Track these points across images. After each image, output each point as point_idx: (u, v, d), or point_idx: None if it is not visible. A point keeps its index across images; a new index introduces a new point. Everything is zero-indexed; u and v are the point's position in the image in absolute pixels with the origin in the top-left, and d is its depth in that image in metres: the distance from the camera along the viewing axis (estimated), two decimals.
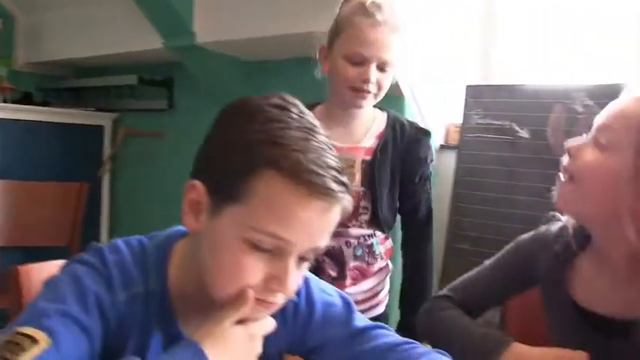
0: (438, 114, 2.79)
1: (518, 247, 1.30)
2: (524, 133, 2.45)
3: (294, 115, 0.83)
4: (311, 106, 1.55)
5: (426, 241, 1.67)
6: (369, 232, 1.58)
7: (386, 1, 1.47)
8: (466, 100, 2.61)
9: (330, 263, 1.56)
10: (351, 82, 1.48)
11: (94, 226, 3.62)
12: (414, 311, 1.49)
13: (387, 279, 1.68)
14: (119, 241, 0.94)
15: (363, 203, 1.55)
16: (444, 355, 0.98)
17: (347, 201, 0.83)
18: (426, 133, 1.68)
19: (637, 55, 2.54)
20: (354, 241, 1.56)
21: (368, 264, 1.60)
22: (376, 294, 1.65)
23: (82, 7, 3.37)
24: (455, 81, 2.82)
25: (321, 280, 1.09)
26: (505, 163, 2.46)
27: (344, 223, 1.50)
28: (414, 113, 2.61)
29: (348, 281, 1.57)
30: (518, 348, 1.10)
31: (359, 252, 1.57)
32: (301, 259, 0.85)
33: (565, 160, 1.14)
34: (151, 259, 0.92)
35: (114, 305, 0.86)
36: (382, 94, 1.53)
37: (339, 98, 1.55)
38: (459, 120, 2.63)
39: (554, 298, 1.21)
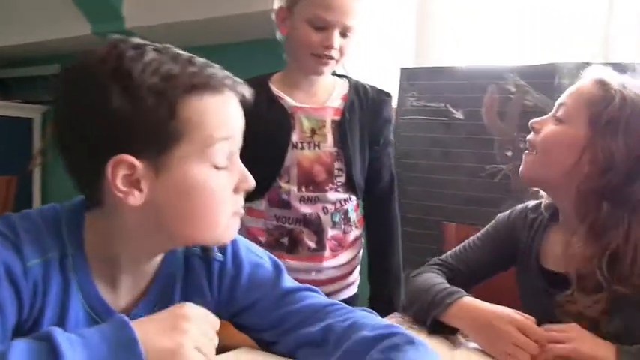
0: None
1: (498, 225, 1.43)
2: (459, 114, 2.47)
3: (147, 48, 0.83)
4: (268, 76, 1.55)
5: (390, 209, 1.67)
6: (345, 196, 1.56)
7: None
8: (401, 82, 2.62)
9: (309, 233, 1.53)
10: (313, 49, 1.45)
11: None
12: (385, 280, 1.61)
13: (360, 254, 1.68)
14: (31, 210, 0.90)
15: (337, 165, 1.53)
16: (371, 312, 0.98)
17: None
18: (389, 95, 1.67)
19: (566, 35, 2.60)
20: (331, 207, 1.54)
21: (345, 232, 1.58)
22: (351, 271, 1.64)
23: None
24: (389, 63, 2.82)
25: (252, 243, 1.08)
26: (441, 145, 2.49)
27: (321, 187, 1.51)
28: None
29: (327, 252, 1.55)
30: (467, 301, 1.18)
31: (336, 218, 1.55)
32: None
33: (530, 135, 1.29)
34: (65, 223, 0.88)
35: (26, 273, 0.81)
36: (343, 60, 1.50)
37: (299, 64, 1.52)
38: (394, 103, 2.64)
39: (526, 265, 1.33)
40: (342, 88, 1.58)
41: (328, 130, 1.52)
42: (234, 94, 0.88)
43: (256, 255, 1.05)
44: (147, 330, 0.75)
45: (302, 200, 1.51)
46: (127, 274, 0.92)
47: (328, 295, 1.32)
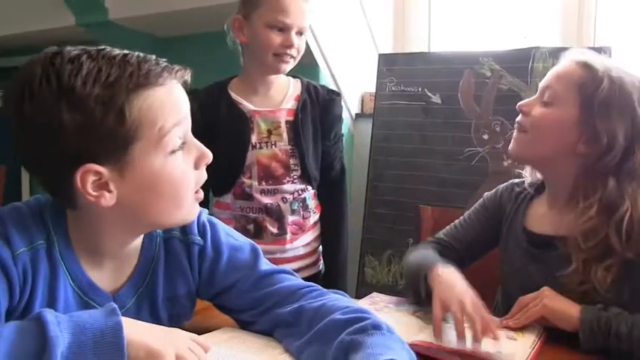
0: (353, 83, 2.84)
1: (486, 202, 1.49)
2: (436, 99, 2.53)
3: (83, 57, 0.85)
4: (227, 82, 1.69)
5: (341, 195, 1.83)
6: (302, 187, 1.71)
7: None
8: (379, 68, 2.67)
9: (271, 220, 1.68)
10: (275, 49, 1.59)
11: None
12: (334, 257, 1.79)
13: (320, 236, 1.82)
14: (17, 202, 0.94)
15: (292, 160, 1.69)
16: (342, 294, 1.04)
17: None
18: (338, 94, 1.80)
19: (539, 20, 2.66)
20: (289, 197, 1.69)
21: (304, 218, 1.73)
22: (315, 250, 1.80)
23: None
24: (368, 50, 2.87)
25: (230, 228, 1.14)
26: (419, 128, 2.55)
27: (279, 181, 1.67)
28: (328, 83, 2.64)
29: (289, 236, 1.70)
30: (440, 269, 1.24)
31: (295, 206, 1.70)
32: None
33: (519, 117, 1.35)
34: (49, 214, 0.93)
35: (15, 261, 0.86)
36: (298, 58, 1.65)
37: (260, 65, 1.65)
38: (374, 89, 2.70)
39: (511, 230, 1.40)
40: (295, 89, 1.73)
41: (283, 130, 1.67)
42: (175, 81, 0.91)
43: (235, 239, 1.11)
44: (135, 326, 0.80)
45: (263, 192, 1.67)
46: (111, 258, 0.97)
47: None
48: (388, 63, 2.67)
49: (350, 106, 2.83)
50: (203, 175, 0.96)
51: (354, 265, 2.69)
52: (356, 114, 2.87)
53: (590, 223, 1.21)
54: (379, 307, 1.27)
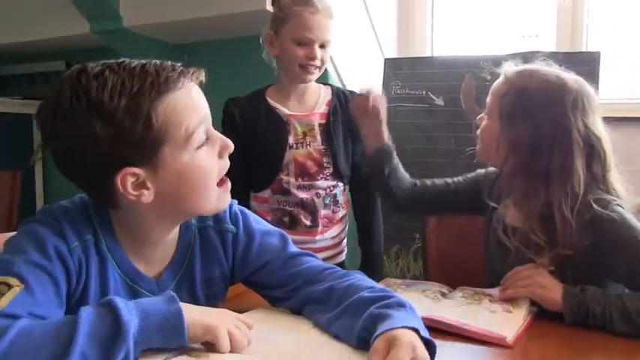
0: (361, 87, 2.94)
1: (467, 175, 1.67)
2: (439, 101, 2.65)
3: (106, 72, 0.94)
4: (264, 89, 1.86)
5: (370, 193, 1.93)
6: (333, 183, 1.86)
7: None
8: (385, 72, 2.80)
9: (305, 213, 1.83)
10: (300, 61, 1.76)
11: (30, 215, 3.60)
12: (369, 247, 1.95)
13: (346, 229, 1.96)
14: (64, 202, 1.06)
15: (325, 159, 1.84)
16: (362, 275, 1.15)
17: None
18: None
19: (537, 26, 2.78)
20: (322, 192, 1.84)
21: (333, 212, 1.88)
22: (340, 242, 1.94)
23: None
24: (374, 55, 2.99)
25: (259, 217, 1.26)
26: (423, 129, 2.67)
27: (314, 177, 1.82)
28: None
29: (320, 228, 1.85)
30: None
31: (327, 201, 1.86)
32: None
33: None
34: (93, 211, 1.04)
35: (71, 253, 0.98)
36: (324, 68, 1.82)
37: (290, 75, 1.82)
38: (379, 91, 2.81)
39: (491, 219, 1.49)
40: (326, 95, 1.89)
41: (317, 132, 1.83)
42: (192, 83, 1.00)
43: (265, 226, 1.23)
44: (192, 310, 0.92)
45: (299, 188, 1.82)
46: (152, 248, 1.08)
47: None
48: (393, 67, 2.80)
49: None
50: (226, 164, 1.06)
51: None
52: None
53: (525, 221, 1.33)
54: (393, 288, 1.38)
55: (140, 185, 0.96)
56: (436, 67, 2.71)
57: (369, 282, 1.11)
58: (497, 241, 1.41)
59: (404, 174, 1.71)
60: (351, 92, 1.92)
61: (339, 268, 1.18)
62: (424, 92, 2.69)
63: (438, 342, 0.91)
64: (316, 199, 1.83)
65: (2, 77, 3.85)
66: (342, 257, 1.97)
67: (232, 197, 1.13)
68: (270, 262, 1.18)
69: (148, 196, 0.97)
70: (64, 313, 0.95)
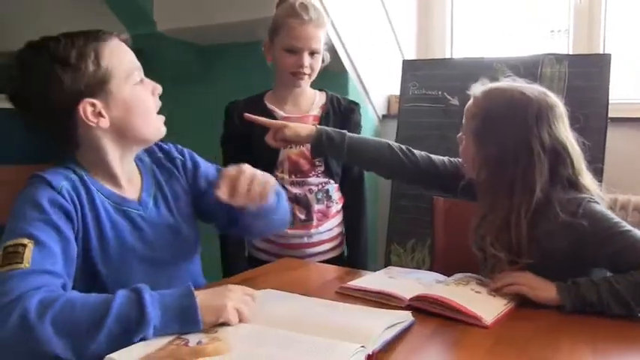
0: (380, 87, 3.09)
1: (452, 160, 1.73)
2: (454, 101, 2.77)
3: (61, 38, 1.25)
4: (263, 93, 2.03)
5: (360, 190, 2.10)
6: (325, 180, 1.99)
7: (310, 3, 1.87)
8: (403, 73, 2.92)
9: (299, 208, 1.96)
10: (290, 68, 1.89)
11: None
12: (356, 242, 2.08)
13: (342, 224, 2.09)
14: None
15: (317, 159, 1.96)
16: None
17: None
18: (356, 104, 2.08)
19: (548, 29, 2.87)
20: (314, 188, 1.97)
21: (327, 207, 2.01)
22: (338, 235, 2.07)
23: None
24: (393, 56, 3.12)
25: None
26: (439, 129, 2.78)
27: (306, 174, 1.96)
28: (357, 87, 2.90)
29: (315, 222, 1.98)
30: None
31: (319, 196, 1.98)
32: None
33: None
34: (68, 161, 1.30)
35: (62, 195, 1.20)
36: (315, 74, 1.94)
37: (283, 81, 1.96)
38: (399, 92, 2.94)
39: None
40: (320, 99, 2.02)
41: None
42: (119, 40, 1.30)
43: (204, 160, 1.55)
44: (202, 295, 1.09)
45: (292, 184, 1.96)
46: (121, 176, 1.34)
47: (319, 254, 1.94)
48: (411, 68, 2.92)
49: (377, 107, 3.07)
50: (159, 102, 1.35)
51: (381, 252, 2.94)
52: (382, 115, 3.12)
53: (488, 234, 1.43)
54: (393, 275, 1.52)
55: (98, 114, 1.24)
56: (452, 69, 2.82)
57: None
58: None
59: (376, 146, 1.75)
60: (344, 98, 2.06)
61: None
62: (440, 93, 2.80)
63: (417, 319, 1.05)
64: (309, 195, 1.96)
65: None
66: (342, 250, 2.09)
67: None
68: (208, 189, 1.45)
69: (104, 122, 1.25)
70: (70, 256, 1.18)
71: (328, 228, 2.01)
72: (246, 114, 1.76)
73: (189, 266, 1.45)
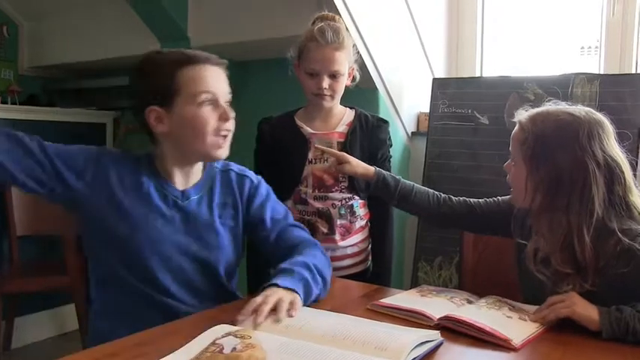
0: (410, 104, 3.11)
1: (493, 200, 1.76)
2: (484, 120, 2.77)
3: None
4: (294, 112, 2.09)
5: (386, 207, 2.10)
6: (349, 195, 2.02)
7: (330, 27, 1.91)
8: (433, 91, 2.94)
9: (322, 221, 1.99)
10: (312, 90, 1.95)
11: None
12: (380, 257, 2.11)
13: (369, 240, 2.12)
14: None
15: (341, 174, 1.99)
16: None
17: None
18: (385, 122, 2.11)
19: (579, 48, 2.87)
20: (337, 203, 2.01)
21: (350, 222, 2.03)
22: (362, 250, 2.09)
23: (84, 14, 3.62)
24: (424, 74, 3.14)
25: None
26: (468, 147, 2.80)
27: (329, 190, 1.99)
28: (387, 104, 2.92)
29: (337, 236, 2.01)
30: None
31: (342, 211, 2.01)
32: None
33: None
34: (142, 157, 1.58)
35: (99, 158, 1.50)
36: (338, 95, 1.98)
37: (309, 102, 2.03)
38: (428, 110, 2.96)
39: (522, 240, 1.60)
40: (348, 116, 2.05)
41: (334, 149, 1.97)
42: (212, 66, 1.49)
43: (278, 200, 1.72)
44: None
45: (316, 199, 2.00)
46: (177, 174, 1.54)
47: (342, 268, 1.98)
48: (441, 87, 2.93)
49: (406, 124, 3.09)
50: (227, 126, 1.50)
51: (408, 268, 2.95)
52: (412, 132, 3.13)
53: (551, 254, 1.44)
54: (424, 293, 1.53)
55: (159, 120, 1.47)
56: (482, 87, 2.83)
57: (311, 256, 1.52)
58: (528, 269, 1.51)
59: (421, 195, 1.81)
60: (373, 115, 2.08)
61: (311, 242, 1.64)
62: (470, 111, 2.81)
63: (445, 338, 1.07)
64: (332, 209, 1.99)
65: (79, 90, 4.15)
66: (367, 265, 2.11)
67: None
68: (268, 221, 1.63)
69: (163, 128, 1.48)
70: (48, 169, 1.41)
71: (352, 243, 2.04)
72: (317, 145, 1.93)
73: (212, 268, 1.55)
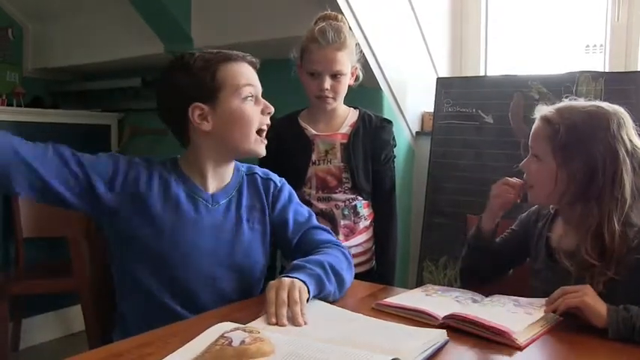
0: (414, 104, 3.10)
1: (519, 223, 1.78)
2: (488, 119, 2.77)
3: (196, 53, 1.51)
4: (298, 113, 2.10)
5: (390, 206, 2.13)
6: (352, 196, 2.03)
7: (331, 27, 1.91)
8: (437, 90, 2.93)
9: (325, 222, 1.96)
10: (313, 92, 1.97)
11: None
12: (384, 256, 2.11)
13: (372, 240, 2.12)
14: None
15: (344, 175, 2.02)
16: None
17: None
18: (388, 122, 2.11)
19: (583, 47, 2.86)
20: (341, 204, 2.02)
21: (354, 222, 2.05)
22: (367, 250, 2.10)
23: (88, 17, 3.61)
24: (428, 74, 3.13)
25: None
26: (473, 146, 2.79)
27: (333, 191, 2.02)
28: (390, 104, 2.92)
29: (341, 237, 2.01)
30: None
31: (346, 212, 2.03)
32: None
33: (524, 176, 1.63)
34: (167, 160, 1.58)
35: (132, 166, 1.50)
36: (341, 96, 2.00)
37: (311, 103, 2.04)
38: (432, 109, 2.95)
39: (538, 246, 1.65)
40: (352, 117, 2.06)
41: (337, 150, 2.02)
42: (246, 63, 1.53)
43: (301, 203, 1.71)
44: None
45: (319, 199, 2.02)
46: (210, 177, 1.54)
47: None
48: (445, 86, 2.93)
49: (410, 124, 3.09)
50: (267, 120, 1.54)
51: (413, 268, 2.94)
52: (416, 132, 3.13)
53: (577, 242, 1.47)
54: (429, 292, 1.53)
55: (203, 117, 1.47)
56: (486, 87, 2.83)
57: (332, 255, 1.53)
58: (549, 266, 1.55)
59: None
60: (377, 115, 2.09)
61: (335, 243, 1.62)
62: (474, 110, 2.81)
63: (451, 337, 1.07)
64: (335, 210, 2.01)
65: (84, 92, 4.14)
66: (372, 265, 2.12)
67: None
68: (291, 223, 1.62)
69: (207, 126, 1.48)
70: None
71: (356, 243, 2.05)
72: None
73: (242, 272, 1.55)
